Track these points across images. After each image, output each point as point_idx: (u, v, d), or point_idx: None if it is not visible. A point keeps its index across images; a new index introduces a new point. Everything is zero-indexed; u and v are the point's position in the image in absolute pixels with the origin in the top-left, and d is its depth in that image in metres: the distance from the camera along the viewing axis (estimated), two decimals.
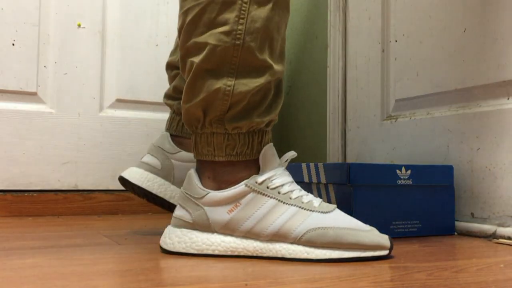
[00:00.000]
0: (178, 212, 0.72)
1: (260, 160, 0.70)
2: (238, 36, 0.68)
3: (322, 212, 0.68)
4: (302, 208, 0.68)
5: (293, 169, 1.02)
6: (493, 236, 0.91)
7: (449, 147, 1.02)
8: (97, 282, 0.52)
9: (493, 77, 0.95)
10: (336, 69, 1.37)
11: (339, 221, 0.68)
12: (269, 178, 0.69)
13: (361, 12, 1.29)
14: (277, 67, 0.71)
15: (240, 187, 0.69)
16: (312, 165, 0.97)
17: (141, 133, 1.38)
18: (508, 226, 0.90)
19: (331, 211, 0.69)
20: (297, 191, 0.70)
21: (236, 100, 0.69)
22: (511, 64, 0.92)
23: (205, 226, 0.69)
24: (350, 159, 1.31)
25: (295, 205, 0.68)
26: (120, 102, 1.37)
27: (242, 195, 0.69)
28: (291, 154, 0.74)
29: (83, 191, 1.30)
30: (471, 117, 0.98)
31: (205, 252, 0.69)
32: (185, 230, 0.70)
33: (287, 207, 0.68)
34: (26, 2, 1.27)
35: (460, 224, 0.97)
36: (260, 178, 0.69)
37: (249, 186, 0.69)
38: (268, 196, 0.68)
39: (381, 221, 0.89)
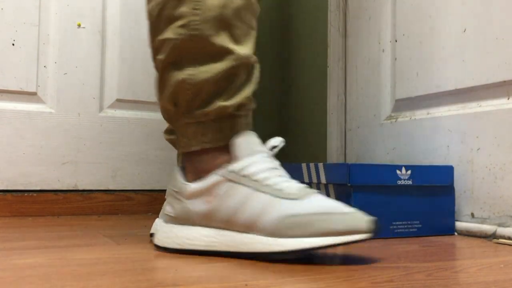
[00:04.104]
0: (166, 207, 0.73)
1: (231, 147, 0.69)
2: (195, 27, 0.70)
3: (294, 199, 0.65)
4: (275, 195, 0.65)
5: (293, 169, 1.02)
6: (493, 236, 0.91)
7: (449, 147, 1.02)
8: (97, 282, 0.52)
9: (493, 77, 0.95)
10: (336, 69, 1.37)
11: (312, 207, 0.63)
12: (244, 166, 0.68)
13: (361, 12, 1.29)
14: (242, 51, 0.71)
15: (214, 177, 0.68)
16: (312, 165, 0.97)
17: (141, 133, 1.38)
18: (508, 226, 0.89)
19: (306, 196, 0.65)
20: (275, 178, 0.67)
21: (200, 88, 0.70)
22: (511, 64, 0.92)
23: (187, 219, 0.70)
24: (350, 159, 1.31)
25: (267, 193, 0.65)
26: (120, 102, 1.37)
27: (217, 184, 0.68)
28: (278, 140, 0.72)
29: (83, 191, 1.30)
30: (471, 117, 0.98)
31: (186, 247, 0.69)
32: (170, 225, 0.71)
33: (259, 195, 0.65)
34: (26, 2, 1.27)
35: (460, 224, 0.97)
36: (233, 166, 0.68)
37: (222, 175, 0.68)
38: (242, 185, 0.67)
39: (381, 221, 0.89)
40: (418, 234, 0.93)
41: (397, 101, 1.18)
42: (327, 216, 0.62)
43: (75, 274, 0.56)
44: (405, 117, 1.14)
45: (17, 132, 1.25)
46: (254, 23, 0.74)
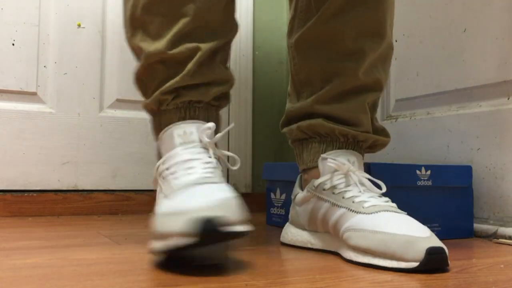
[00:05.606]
0: None
1: (157, 143, 0.70)
2: (125, 31, 0.75)
3: (172, 193, 0.61)
4: (163, 194, 0.63)
5: None
6: (493, 236, 0.91)
7: (449, 147, 1.02)
8: (97, 282, 0.52)
9: (493, 77, 0.95)
10: None
11: (172, 205, 0.57)
12: (162, 163, 0.67)
13: None
14: (152, 47, 0.69)
15: (155, 173, 0.69)
16: None
17: (141, 133, 1.38)
18: (509, 226, 0.89)
19: (185, 192, 0.59)
20: (179, 172, 0.62)
21: (137, 88, 0.75)
22: (511, 64, 0.92)
23: None
24: None
25: (162, 192, 0.63)
26: (120, 102, 1.37)
27: (155, 181, 0.69)
28: (211, 124, 0.67)
29: (83, 191, 1.30)
30: (471, 117, 0.98)
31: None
32: None
33: (159, 195, 0.65)
34: (26, 2, 1.27)
35: None
36: (157, 164, 0.68)
37: (155, 173, 0.69)
38: (159, 184, 0.66)
39: None
40: (438, 237, 0.89)
41: (397, 101, 1.18)
42: (166, 217, 0.56)
43: (75, 274, 0.56)
44: (405, 117, 1.14)
45: (17, 132, 1.25)
46: (183, 9, 0.69)
